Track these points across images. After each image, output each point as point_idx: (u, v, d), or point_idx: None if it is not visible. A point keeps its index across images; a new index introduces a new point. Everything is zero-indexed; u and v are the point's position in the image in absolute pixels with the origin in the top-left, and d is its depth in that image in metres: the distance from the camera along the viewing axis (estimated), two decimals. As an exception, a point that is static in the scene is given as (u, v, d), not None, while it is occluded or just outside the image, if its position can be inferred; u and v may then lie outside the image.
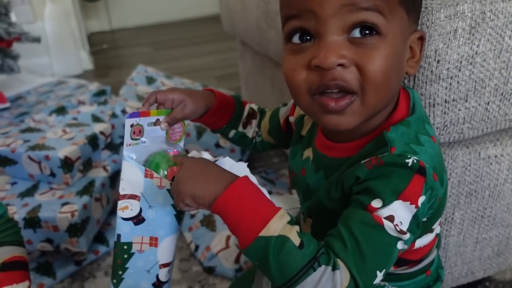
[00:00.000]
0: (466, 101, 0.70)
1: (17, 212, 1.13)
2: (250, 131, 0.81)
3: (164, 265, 0.64)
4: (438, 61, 0.66)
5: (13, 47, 2.09)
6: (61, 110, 1.78)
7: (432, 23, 0.64)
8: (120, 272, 0.63)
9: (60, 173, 1.22)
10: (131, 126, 0.63)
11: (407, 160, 0.52)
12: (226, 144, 1.47)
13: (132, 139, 0.64)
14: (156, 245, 0.63)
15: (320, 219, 0.65)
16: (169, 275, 0.66)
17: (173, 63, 2.86)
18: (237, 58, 1.67)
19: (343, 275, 0.50)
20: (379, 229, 0.51)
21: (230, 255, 1.11)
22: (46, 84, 2.28)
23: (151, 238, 0.63)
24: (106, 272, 1.16)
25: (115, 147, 1.42)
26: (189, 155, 0.65)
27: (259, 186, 0.59)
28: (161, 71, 1.93)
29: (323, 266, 0.49)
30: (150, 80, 1.73)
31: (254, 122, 0.81)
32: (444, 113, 0.70)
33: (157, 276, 0.64)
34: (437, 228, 0.66)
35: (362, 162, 0.55)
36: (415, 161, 0.52)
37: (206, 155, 0.63)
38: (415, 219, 0.53)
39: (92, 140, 1.32)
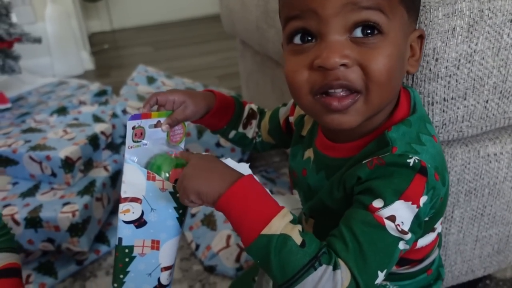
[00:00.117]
0: (465, 99, 0.70)
1: (19, 212, 1.13)
2: (250, 132, 0.81)
3: (166, 268, 0.64)
4: (436, 60, 0.66)
5: (14, 48, 2.10)
6: (62, 111, 1.78)
7: (430, 21, 0.64)
8: (121, 276, 0.63)
9: (61, 173, 1.23)
10: (133, 128, 0.63)
11: (408, 160, 0.52)
12: (226, 143, 1.48)
13: (134, 141, 0.64)
14: (157, 248, 0.63)
15: (322, 220, 0.65)
16: (170, 278, 0.66)
17: (174, 62, 2.87)
18: (237, 58, 1.67)
19: (344, 275, 0.50)
20: (381, 229, 0.51)
21: (230, 254, 1.11)
22: (47, 85, 2.28)
23: (152, 241, 0.63)
24: (107, 271, 1.16)
25: (116, 147, 1.42)
26: None
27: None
28: (162, 71, 1.93)
29: (324, 266, 0.50)
30: (151, 80, 1.73)
31: (254, 123, 0.81)
32: (443, 111, 0.70)
33: (158, 279, 0.64)
34: (439, 227, 0.66)
35: (363, 162, 0.55)
36: (416, 161, 0.52)
37: None
38: (416, 219, 0.53)
39: (93, 140, 1.32)
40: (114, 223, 1.31)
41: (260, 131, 0.81)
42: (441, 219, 0.65)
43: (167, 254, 0.64)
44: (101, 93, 2.01)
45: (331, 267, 0.50)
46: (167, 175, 0.63)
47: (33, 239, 1.13)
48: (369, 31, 0.52)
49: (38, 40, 2.14)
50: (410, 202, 0.52)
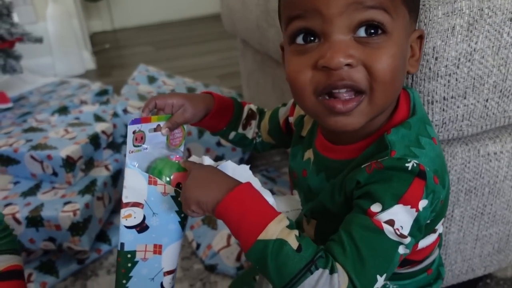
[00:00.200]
0: (465, 98, 0.70)
1: (20, 211, 1.14)
2: (250, 132, 0.81)
3: (168, 272, 0.64)
4: (436, 58, 0.66)
5: (15, 48, 2.10)
6: (63, 110, 1.78)
7: (430, 20, 0.64)
8: (124, 281, 0.63)
9: (62, 172, 1.23)
10: (133, 132, 0.63)
11: (407, 164, 0.52)
12: (227, 142, 1.48)
13: (135, 146, 0.64)
14: (160, 253, 0.63)
15: (324, 221, 0.65)
16: (173, 282, 0.66)
17: (175, 62, 2.87)
18: (238, 57, 1.67)
19: (341, 278, 0.50)
20: (379, 233, 0.51)
21: (231, 253, 1.12)
22: (49, 84, 2.28)
23: (155, 245, 0.63)
24: (109, 270, 1.17)
25: (116, 146, 1.42)
26: (189, 159, 0.66)
27: (263, 189, 0.59)
28: (163, 70, 1.93)
29: (320, 269, 0.50)
30: (152, 80, 1.73)
31: (254, 123, 0.81)
32: (443, 110, 0.70)
33: (161, 283, 0.64)
34: (440, 228, 0.66)
35: (362, 166, 0.55)
36: (415, 164, 0.52)
37: (207, 160, 0.63)
38: (416, 223, 0.53)
39: (94, 140, 1.32)
40: (115, 222, 1.31)
41: (260, 132, 0.81)
42: (442, 220, 0.65)
43: (169, 258, 0.64)
44: (102, 92, 2.01)
45: (327, 271, 0.50)
46: (168, 179, 0.63)
47: (34, 238, 1.14)
48: (372, 31, 0.52)
49: (39, 40, 2.14)
50: (409, 206, 0.52)
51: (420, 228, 0.54)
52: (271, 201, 0.61)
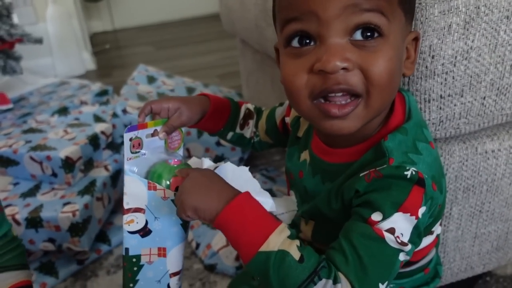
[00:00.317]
0: (462, 96, 0.70)
1: (19, 212, 1.14)
2: (248, 132, 0.81)
3: (174, 274, 0.64)
4: (432, 57, 0.66)
5: (15, 49, 2.10)
6: (63, 111, 1.79)
7: (426, 18, 0.64)
8: (131, 285, 0.63)
9: (62, 173, 1.23)
10: (130, 140, 0.63)
11: (406, 172, 0.52)
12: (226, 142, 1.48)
13: (132, 152, 0.64)
14: (164, 255, 0.63)
15: (322, 222, 0.65)
16: (179, 283, 0.66)
17: (175, 62, 2.87)
18: (238, 57, 1.67)
19: None
20: (380, 242, 0.52)
21: (230, 253, 1.12)
22: (49, 85, 2.29)
23: (159, 248, 0.63)
24: (108, 271, 1.17)
25: (116, 146, 1.42)
26: (189, 161, 0.66)
27: (262, 190, 0.59)
28: (164, 70, 1.93)
29: (323, 280, 0.50)
30: (151, 80, 1.73)
31: (251, 123, 0.81)
32: (440, 108, 0.70)
33: (168, 285, 0.64)
34: (437, 229, 0.66)
35: (361, 175, 0.55)
36: (413, 172, 0.52)
37: (207, 162, 0.63)
38: (416, 230, 0.53)
39: (93, 140, 1.33)
40: (115, 222, 1.31)
41: (257, 131, 0.81)
42: (439, 221, 0.65)
43: (174, 260, 0.64)
44: (102, 93, 2.01)
45: (331, 281, 0.50)
46: (168, 183, 0.63)
47: (34, 239, 1.14)
48: (369, 34, 0.52)
49: (39, 41, 2.15)
50: (409, 214, 0.52)
51: (420, 234, 0.54)
52: (270, 203, 0.61)
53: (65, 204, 1.15)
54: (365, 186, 0.54)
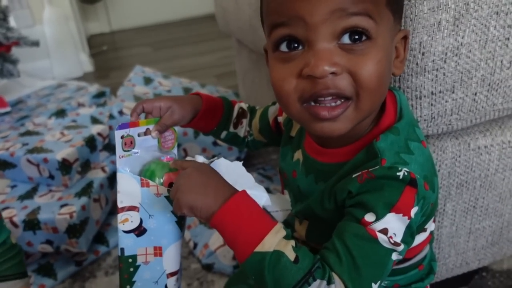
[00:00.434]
0: (453, 92, 0.70)
1: (17, 214, 1.14)
2: (242, 131, 0.81)
3: (172, 274, 0.64)
4: (423, 54, 0.66)
5: (12, 52, 2.10)
6: (61, 113, 1.79)
7: (416, 15, 0.64)
8: (128, 287, 0.63)
9: (59, 175, 1.24)
10: (122, 137, 0.63)
11: (398, 173, 0.52)
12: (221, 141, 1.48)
13: (124, 150, 0.64)
14: (161, 255, 0.63)
15: (316, 222, 0.66)
16: (178, 283, 0.65)
17: (173, 62, 2.87)
18: (235, 56, 1.68)
19: None
20: (374, 242, 0.52)
21: (228, 252, 1.12)
22: (46, 87, 2.29)
23: (155, 248, 0.62)
24: (107, 272, 1.17)
25: (113, 148, 1.42)
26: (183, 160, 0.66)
27: (257, 185, 0.59)
28: (161, 71, 1.94)
29: (318, 281, 0.50)
30: (148, 81, 1.74)
31: (245, 121, 0.81)
32: (431, 105, 0.70)
33: (165, 286, 0.64)
34: (430, 226, 0.66)
35: (353, 176, 0.55)
36: (405, 173, 0.52)
37: (201, 159, 0.63)
38: (408, 229, 0.53)
39: (90, 142, 1.33)
40: (113, 223, 1.31)
41: (251, 130, 0.81)
42: (432, 218, 0.65)
43: (171, 259, 0.63)
44: (100, 94, 2.01)
45: (325, 282, 0.50)
46: (161, 180, 0.63)
47: (32, 241, 1.14)
48: (357, 37, 0.52)
49: (35, 44, 2.14)
50: (401, 214, 0.52)
51: (412, 234, 0.55)
52: (265, 197, 0.61)
53: (62, 206, 1.16)
54: (357, 187, 0.54)
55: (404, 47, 0.59)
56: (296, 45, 0.53)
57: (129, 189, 0.61)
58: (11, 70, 2.05)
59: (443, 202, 0.80)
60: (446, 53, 0.67)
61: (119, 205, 0.61)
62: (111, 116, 1.45)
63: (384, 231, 0.52)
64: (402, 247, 0.53)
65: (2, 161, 1.29)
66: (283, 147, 0.73)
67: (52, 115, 1.74)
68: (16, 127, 1.77)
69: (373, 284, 0.53)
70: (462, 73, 0.69)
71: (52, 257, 1.21)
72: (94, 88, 2.10)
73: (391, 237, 0.52)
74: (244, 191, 0.56)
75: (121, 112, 1.43)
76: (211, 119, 0.77)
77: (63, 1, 2.77)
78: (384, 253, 0.53)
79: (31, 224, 1.12)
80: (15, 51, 2.13)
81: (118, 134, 0.63)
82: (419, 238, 0.65)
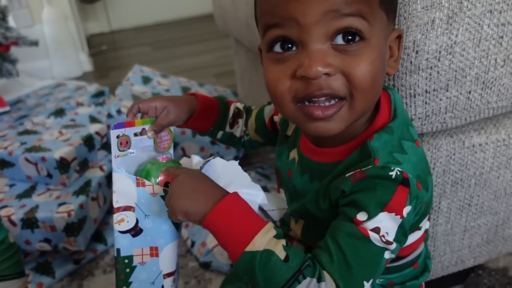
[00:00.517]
0: (447, 90, 0.71)
1: (15, 213, 1.15)
2: (238, 131, 0.81)
3: (168, 275, 0.64)
4: (417, 52, 0.67)
5: (11, 51, 2.11)
6: (59, 112, 1.79)
7: (409, 14, 0.65)
8: None
9: (57, 174, 1.24)
10: (117, 137, 0.63)
11: (390, 173, 0.53)
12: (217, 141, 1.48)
13: (120, 150, 0.64)
14: (157, 255, 0.63)
15: (312, 221, 0.66)
16: (175, 284, 0.65)
17: (172, 62, 2.88)
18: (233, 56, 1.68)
19: (328, 287, 0.51)
20: (366, 241, 0.52)
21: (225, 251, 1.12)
22: (46, 87, 2.29)
23: (151, 248, 0.62)
24: (105, 270, 1.18)
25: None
26: (180, 161, 0.66)
27: (252, 183, 0.59)
28: (161, 70, 1.94)
29: (308, 279, 0.51)
30: (146, 80, 1.74)
31: (241, 121, 0.81)
32: (426, 103, 0.71)
33: (162, 287, 0.64)
34: (425, 224, 0.66)
35: (346, 175, 0.55)
36: (398, 172, 0.53)
37: (196, 158, 0.63)
38: (401, 228, 0.54)
39: (88, 141, 1.33)
40: (111, 222, 1.31)
41: (247, 130, 0.82)
42: (427, 217, 0.65)
43: (167, 260, 0.63)
44: (99, 94, 2.02)
45: (315, 280, 0.51)
46: (157, 180, 0.63)
47: (30, 240, 1.15)
48: (350, 38, 0.52)
49: (34, 43, 2.15)
50: (394, 213, 0.53)
51: (405, 233, 0.55)
52: (261, 195, 0.62)
53: (60, 204, 1.16)
54: (350, 186, 0.54)
55: (398, 46, 0.59)
56: (290, 46, 0.54)
57: (124, 189, 0.61)
58: (10, 69, 2.05)
59: (438, 200, 0.81)
60: (440, 52, 0.67)
61: (115, 205, 0.61)
62: (109, 115, 1.45)
63: (376, 230, 0.52)
64: (394, 245, 0.53)
65: (1, 160, 1.29)
66: (279, 146, 0.73)
67: (51, 115, 1.74)
68: (14, 126, 1.78)
69: (365, 283, 0.53)
70: (456, 71, 0.69)
71: (50, 255, 1.22)
72: (93, 87, 2.11)
73: (383, 236, 0.52)
74: (235, 193, 0.56)
75: (119, 111, 1.44)
76: (207, 119, 0.78)
77: (63, 0, 2.78)
78: (376, 252, 0.53)
79: (29, 222, 1.13)
80: (14, 51, 2.13)
81: (113, 133, 0.63)
82: (414, 236, 0.65)
